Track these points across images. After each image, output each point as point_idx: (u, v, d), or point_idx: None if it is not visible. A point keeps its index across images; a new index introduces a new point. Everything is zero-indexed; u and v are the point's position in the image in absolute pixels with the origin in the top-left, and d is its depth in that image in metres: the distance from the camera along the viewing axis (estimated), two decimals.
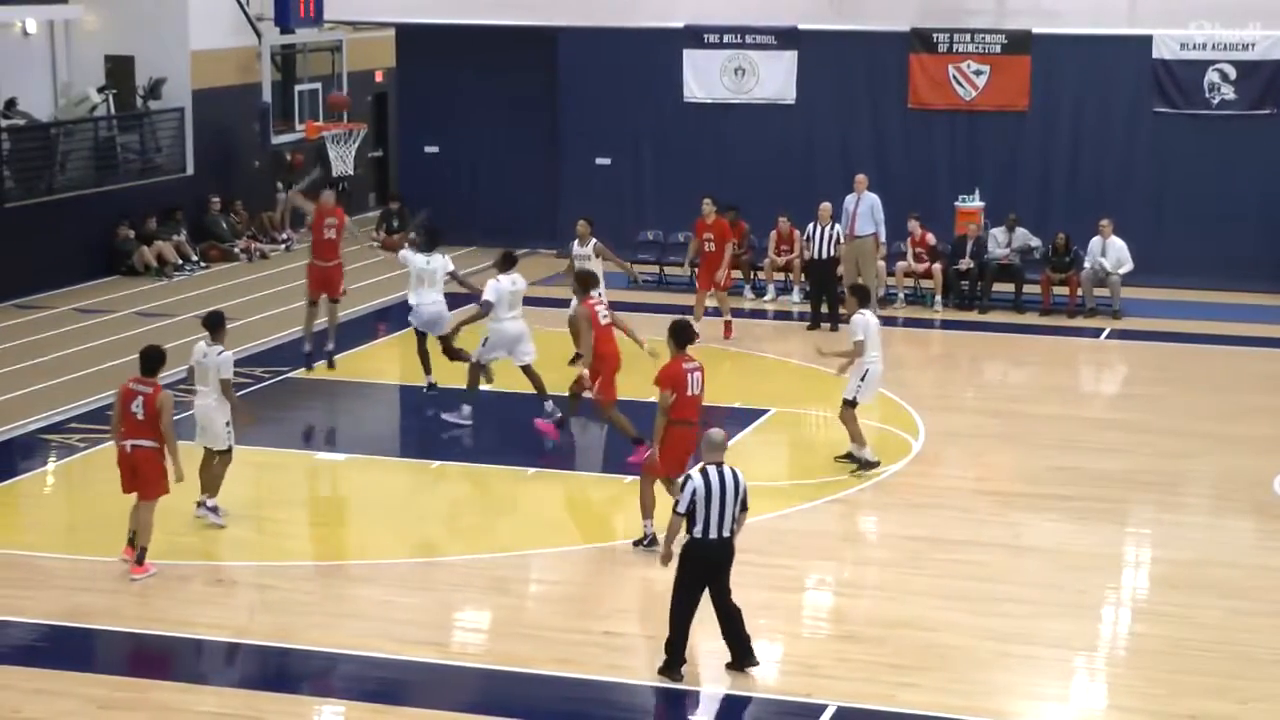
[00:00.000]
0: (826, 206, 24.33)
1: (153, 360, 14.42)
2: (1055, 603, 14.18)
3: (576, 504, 17.00)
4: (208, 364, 15.41)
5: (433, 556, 15.32)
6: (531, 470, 17.55)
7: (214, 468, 15.63)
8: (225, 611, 13.97)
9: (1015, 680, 12.73)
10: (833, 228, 24.13)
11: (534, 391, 18.71)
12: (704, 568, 12.34)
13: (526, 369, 18.97)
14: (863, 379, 17.30)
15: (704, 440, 12.60)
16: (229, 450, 15.58)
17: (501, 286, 18.96)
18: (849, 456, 17.48)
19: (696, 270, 24.10)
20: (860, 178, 25.13)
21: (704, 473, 12.24)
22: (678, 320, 15.21)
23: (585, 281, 17.94)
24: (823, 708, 11.94)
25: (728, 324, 23.31)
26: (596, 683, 12.47)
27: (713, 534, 12.23)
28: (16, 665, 12.56)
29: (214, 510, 15.61)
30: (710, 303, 23.52)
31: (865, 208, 24.75)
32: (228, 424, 15.47)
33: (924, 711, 11.95)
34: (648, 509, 15.03)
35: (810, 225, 24.35)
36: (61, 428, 18.79)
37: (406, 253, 20.55)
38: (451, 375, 19.72)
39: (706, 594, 12.41)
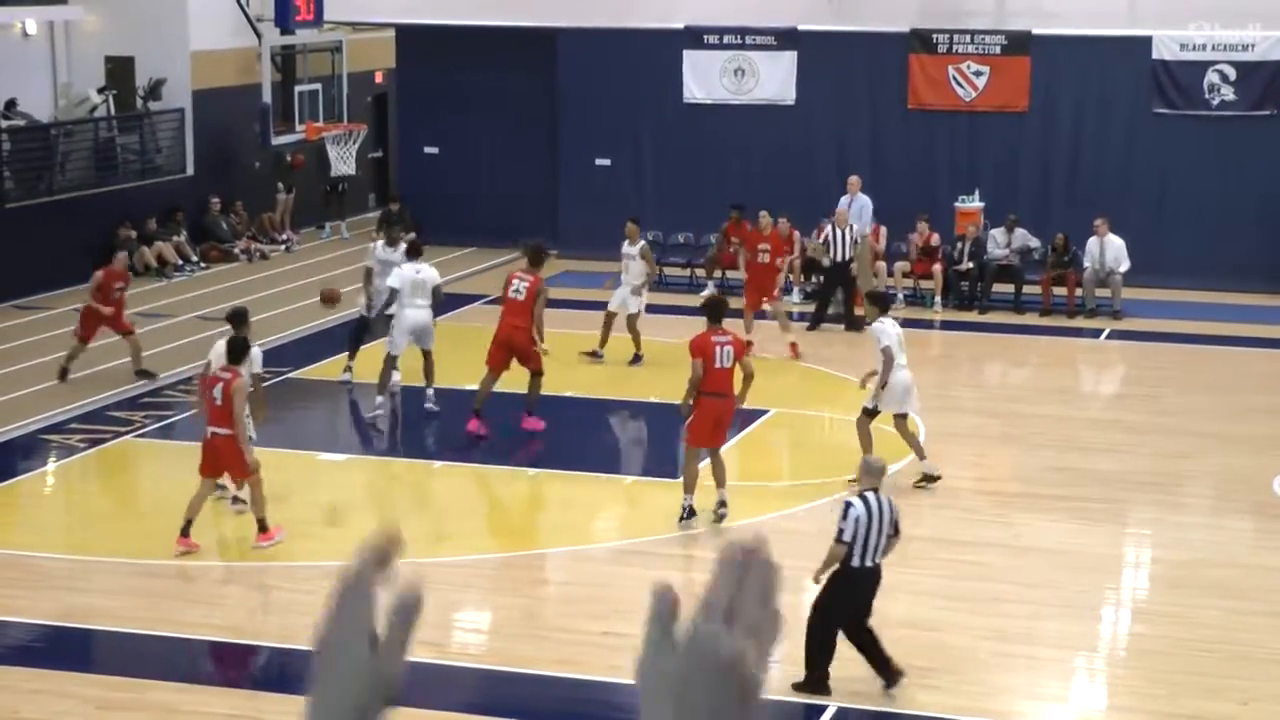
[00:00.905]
0: (844, 210, 24.36)
1: (236, 348, 14.87)
2: (1055, 603, 14.19)
3: (577, 504, 17.00)
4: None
5: (433, 557, 15.32)
6: (532, 470, 17.55)
7: None
8: (225, 611, 13.98)
9: (1015, 680, 12.73)
10: (850, 230, 24.12)
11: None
12: (857, 596, 12.08)
13: (426, 355, 19.02)
14: (884, 386, 16.92)
15: (863, 466, 12.41)
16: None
17: (405, 274, 18.94)
18: (925, 478, 16.88)
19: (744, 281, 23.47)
20: (853, 179, 25.18)
21: (864, 499, 12.01)
22: (711, 295, 15.42)
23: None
24: (823, 708, 11.94)
25: (794, 345, 22.10)
26: (596, 683, 12.47)
27: (868, 561, 12.01)
28: (15, 666, 12.57)
29: (235, 500, 15.75)
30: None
31: (855, 210, 24.89)
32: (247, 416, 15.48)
33: (924, 712, 11.95)
34: (690, 484, 15.27)
35: (828, 227, 24.31)
36: (62, 428, 18.78)
37: (397, 262, 19.82)
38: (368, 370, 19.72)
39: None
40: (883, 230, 25.89)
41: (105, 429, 18.72)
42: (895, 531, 12.14)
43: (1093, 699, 12.62)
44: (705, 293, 26.14)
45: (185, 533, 14.62)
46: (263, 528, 14.85)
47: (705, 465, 15.64)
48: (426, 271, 19.33)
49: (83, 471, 17.56)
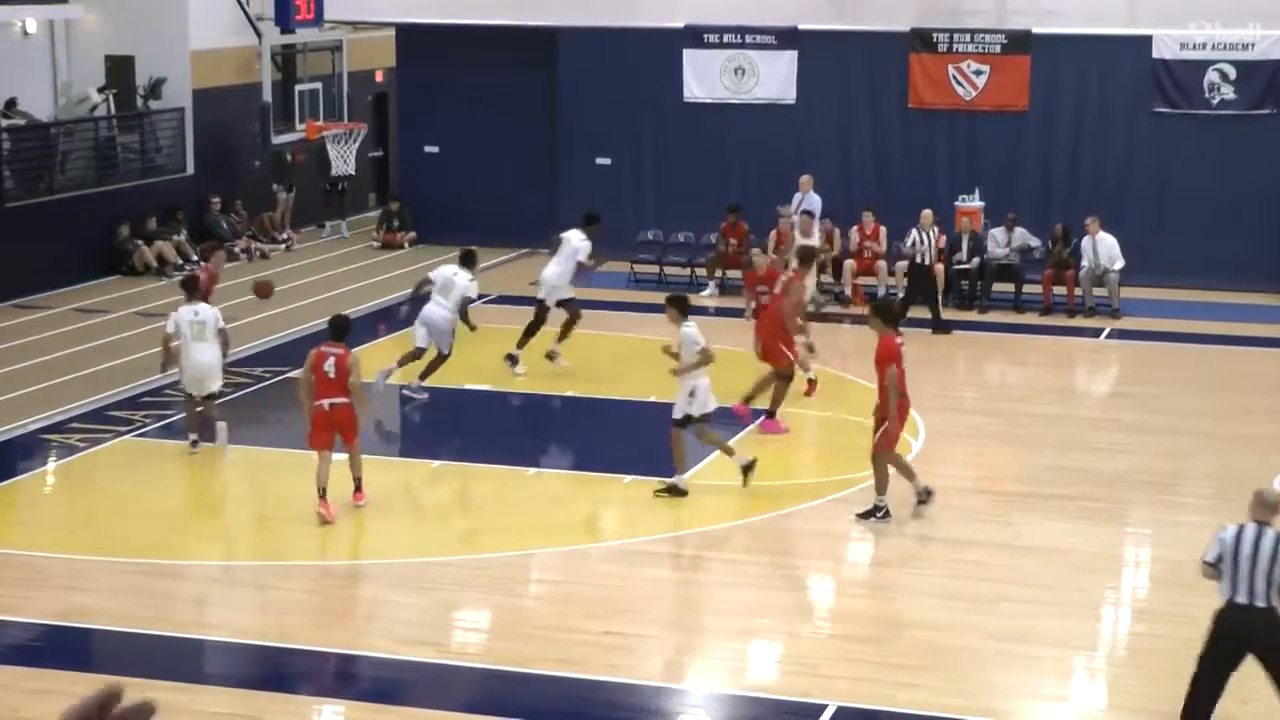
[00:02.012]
0: (928, 213, 24.40)
1: (340, 327, 16.20)
2: (1055, 602, 14.18)
3: (577, 503, 16.99)
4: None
5: (432, 556, 15.32)
6: (532, 470, 17.55)
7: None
8: (225, 611, 13.98)
9: (1015, 680, 12.72)
10: (935, 233, 24.13)
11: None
12: (1231, 639, 11.16)
13: (438, 354, 19.51)
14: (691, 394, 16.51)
15: (1255, 497, 11.72)
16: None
17: (444, 272, 19.80)
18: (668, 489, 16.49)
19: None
20: (805, 178, 25.27)
21: (1240, 528, 11.30)
22: (883, 299, 15.52)
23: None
24: (822, 707, 11.93)
25: (812, 382, 20.77)
26: (596, 683, 12.47)
27: (1241, 598, 11.11)
28: (15, 665, 12.56)
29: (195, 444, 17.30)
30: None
31: (809, 209, 25.02)
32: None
33: (924, 711, 11.95)
34: (882, 486, 15.58)
35: (912, 231, 24.30)
36: (62, 428, 18.78)
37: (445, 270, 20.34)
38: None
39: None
40: (836, 229, 26.00)
41: (105, 429, 18.72)
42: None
43: (1093, 698, 12.62)
44: (705, 292, 26.25)
45: (323, 496, 15.69)
46: (359, 487, 16.03)
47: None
48: (461, 277, 19.83)
49: (83, 471, 17.55)
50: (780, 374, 18.71)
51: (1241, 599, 10.97)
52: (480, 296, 21.20)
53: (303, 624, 13.49)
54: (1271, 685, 11.16)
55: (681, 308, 16.75)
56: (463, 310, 19.70)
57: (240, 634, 13.35)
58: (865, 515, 15.74)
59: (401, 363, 19.85)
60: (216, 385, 17.95)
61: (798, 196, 25.29)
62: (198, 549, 15.51)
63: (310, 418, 15.91)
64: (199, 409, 17.78)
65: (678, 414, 16.40)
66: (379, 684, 12.54)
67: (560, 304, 21.38)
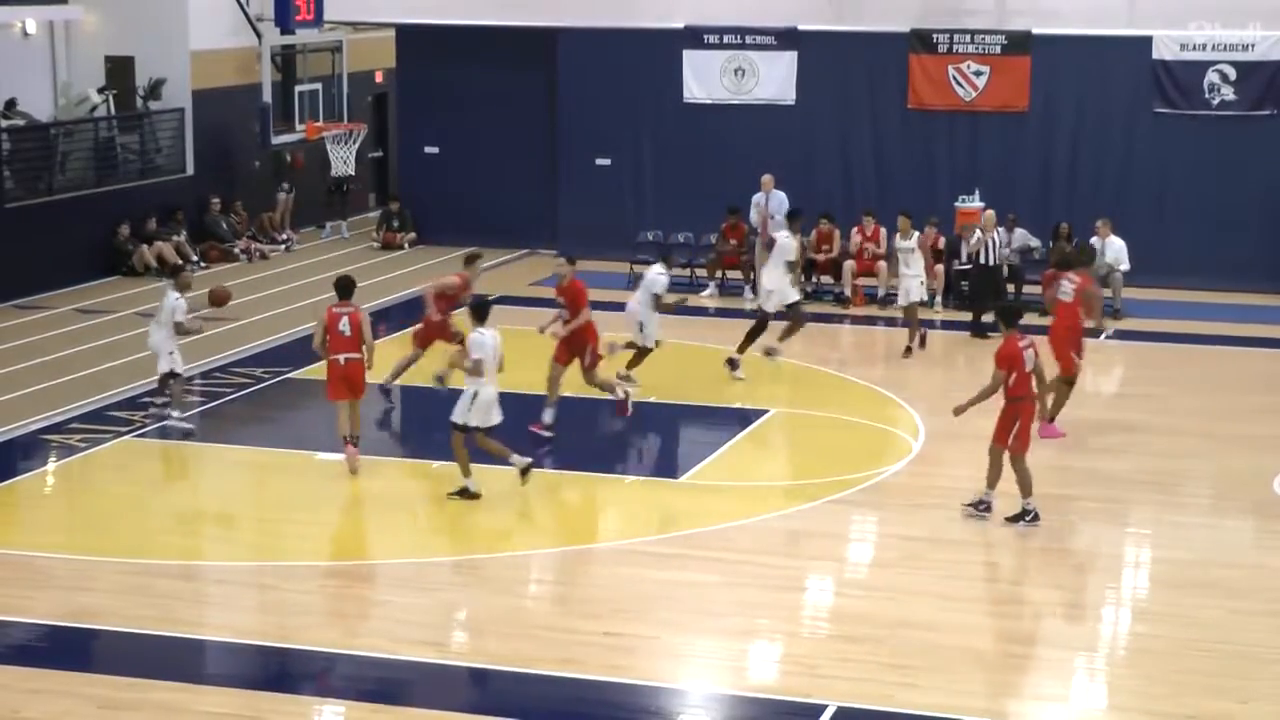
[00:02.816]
0: (991, 214, 24.42)
1: (345, 286, 17.37)
2: (1055, 602, 14.19)
3: (577, 504, 16.99)
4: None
5: (432, 556, 15.33)
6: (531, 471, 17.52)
7: None
8: (225, 611, 13.98)
9: (1015, 680, 12.73)
10: (996, 234, 24.11)
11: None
12: None
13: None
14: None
15: None
16: None
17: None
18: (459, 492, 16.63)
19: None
20: (766, 177, 25.36)
21: None
22: (1008, 303, 16.29)
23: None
24: (822, 708, 11.94)
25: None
26: (596, 683, 12.47)
27: None
28: (16, 665, 12.56)
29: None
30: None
31: (773, 207, 25.09)
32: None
33: (924, 711, 11.95)
34: (1027, 488, 15.72)
35: (976, 231, 24.28)
36: (62, 428, 18.79)
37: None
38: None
39: None
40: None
41: (105, 429, 18.73)
42: None
43: (1093, 698, 12.62)
44: (706, 293, 26.26)
45: (348, 443, 17.21)
46: (355, 442, 17.36)
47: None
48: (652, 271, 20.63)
49: (83, 472, 17.56)
50: (1065, 380, 18.75)
51: None
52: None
53: (303, 624, 13.49)
54: None
55: (478, 314, 16.56)
56: (657, 303, 20.15)
57: (241, 634, 13.35)
58: (1014, 519, 15.82)
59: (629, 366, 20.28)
60: (160, 366, 18.74)
61: (759, 196, 25.45)
62: (198, 549, 15.51)
63: (328, 372, 17.35)
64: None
65: (457, 418, 16.36)
66: (379, 684, 12.54)
67: (788, 307, 21.52)
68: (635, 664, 12.75)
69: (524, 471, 16.53)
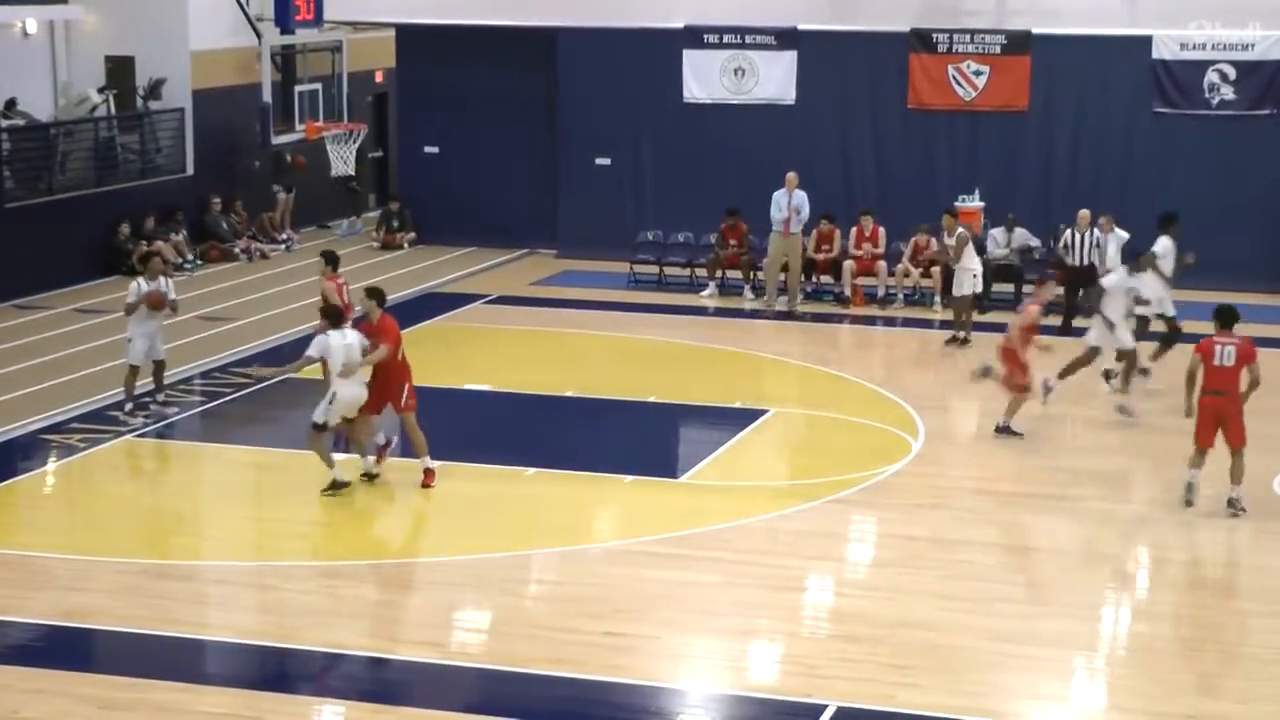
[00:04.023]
0: (1085, 213, 24.29)
1: (377, 295, 16.99)
2: (1054, 602, 14.19)
3: (575, 504, 16.99)
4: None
5: (431, 556, 15.33)
6: (531, 470, 17.55)
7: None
8: (224, 611, 13.99)
9: (1014, 680, 12.73)
10: (1091, 233, 24.08)
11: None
12: None
13: None
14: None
15: None
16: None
17: None
18: None
19: None
20: (791, 175, 25.32)
21: None
22: (1222, 304, 16.69)
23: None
24: (822, 708, 11.94)
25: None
26: (596, 683, 12.47)
27: None
28: (15, 665, 12.56)
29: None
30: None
31: (797, 205, 25.10)
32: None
33: (923, 711, 11.95)
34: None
35: (1068, 231, 24.24)
36: (62, 428, 18.79)
37: None
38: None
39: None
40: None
41: (105, 429, 18.74)
42: None
43: (1091, 698, 12.62)
44: (705, 293, 26.26)
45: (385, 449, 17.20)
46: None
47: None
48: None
49: (83, 472, 17.56)
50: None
51: None
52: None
53: (303, 624, 13.49)
54: None
55: (329, 317, 17.03)
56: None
57: (241, 634, 13.35)
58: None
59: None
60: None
61: (780, 194, 25.37)
62: (198, 549, 15.51)
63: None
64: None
65: (318, 418, 16.44)
66: (379, 684, 12.55)
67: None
68: (635, 664, 12.75)
69: (333, 486, 16.41)
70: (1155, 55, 26.67)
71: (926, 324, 24.59)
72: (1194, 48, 26.57)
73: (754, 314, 25.43)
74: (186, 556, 15.04)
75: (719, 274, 26.75)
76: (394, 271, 27.95)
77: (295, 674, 12.87)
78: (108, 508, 16.50)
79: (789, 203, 25.25)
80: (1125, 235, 24.53)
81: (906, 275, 25.87)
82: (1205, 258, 26.13)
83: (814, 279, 26.23)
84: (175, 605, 13.82)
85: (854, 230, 26.20)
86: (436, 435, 18.64)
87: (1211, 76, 26.54)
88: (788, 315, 25.10)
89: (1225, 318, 16.71)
